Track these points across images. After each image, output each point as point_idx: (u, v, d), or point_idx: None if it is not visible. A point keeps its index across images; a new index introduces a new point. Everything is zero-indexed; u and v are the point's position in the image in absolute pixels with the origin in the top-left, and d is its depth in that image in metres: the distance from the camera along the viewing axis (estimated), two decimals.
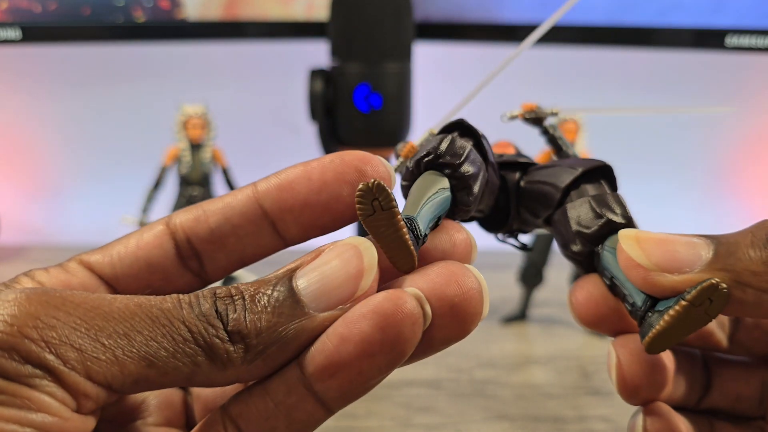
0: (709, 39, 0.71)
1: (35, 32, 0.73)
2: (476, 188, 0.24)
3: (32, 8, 0.72)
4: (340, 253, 0.19)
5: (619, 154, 0.97)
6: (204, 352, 0.18)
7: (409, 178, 0.24)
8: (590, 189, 0.25)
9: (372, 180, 0.19)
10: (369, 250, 0.19)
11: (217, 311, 0.18)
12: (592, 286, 0.24)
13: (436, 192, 0.22)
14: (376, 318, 0.18)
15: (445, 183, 0.23)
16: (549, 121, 0.31)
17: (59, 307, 0.17)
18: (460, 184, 0.23)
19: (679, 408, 0.25)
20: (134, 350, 0.17)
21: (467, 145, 0.24)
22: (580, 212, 0.25)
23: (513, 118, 0.27)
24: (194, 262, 0.22)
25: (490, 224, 0.29)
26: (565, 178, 0.25)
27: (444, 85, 0.93)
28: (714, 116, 0.93)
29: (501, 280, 0.79)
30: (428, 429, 0.47)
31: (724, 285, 0.19)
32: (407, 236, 0.20)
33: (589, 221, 0.24)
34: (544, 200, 0.26)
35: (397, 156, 0.28)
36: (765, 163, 0.95)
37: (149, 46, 0.81)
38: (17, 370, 0.16)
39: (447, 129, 0.26)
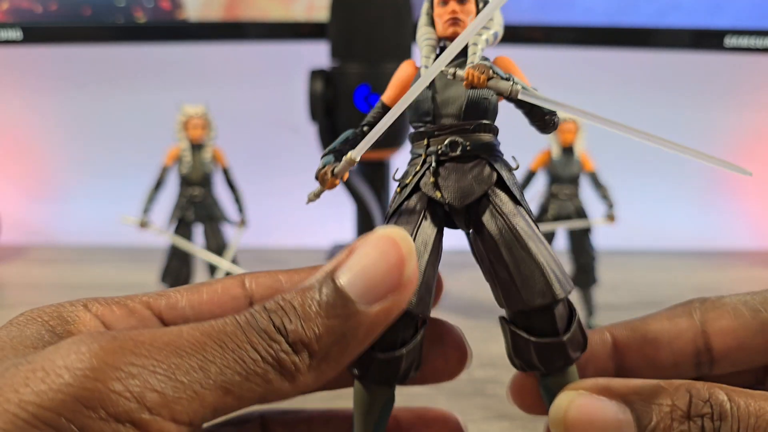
0: (709, 40, 0.71)
1: (36, 33, 0.73)
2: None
3: (33, 9, 0.72)
4: (377, 245, 0.19)
5: (617, 154, 0.98)
6: (273, 368, 0.18)
7: None
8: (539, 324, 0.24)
9: None
10: (405, 239, 0.20)
11: (274, 326, 0.18)
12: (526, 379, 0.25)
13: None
14: None
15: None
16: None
17: (134, 352, 0.17)
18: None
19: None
20: (211, 381, 0.18)
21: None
22: (519, 343, 0.25)
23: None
24: None
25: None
26: (537, 300, 0.24)
27: None
28: (711, 117, 0.94)
29: None
30: None
31: None
32: None
33: (522, 359, 0.25)
34: (507, 294, 0.25)
35: (320, 181, 0.26)
36: (762, 162, 0.95)
37: (150, 46, 0.81)
38: (103, 428, 0.16)
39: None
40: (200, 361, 0.18)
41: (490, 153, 0.27)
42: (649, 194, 0.96)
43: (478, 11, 0.26)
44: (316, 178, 0.26)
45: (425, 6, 0.28)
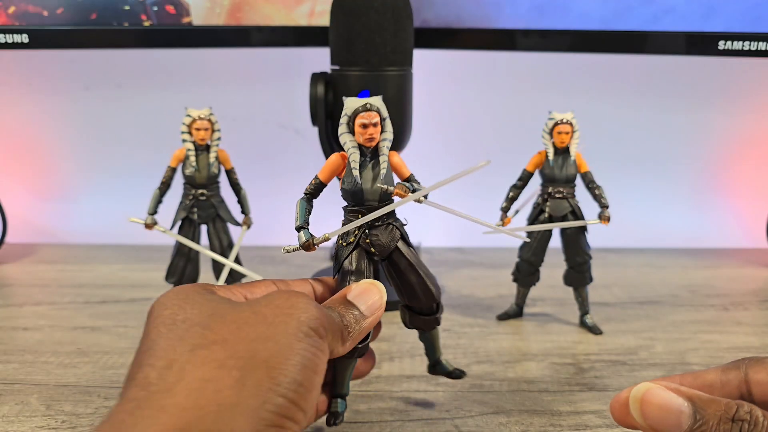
0: (702, 44, 0.72)
1: (42, 37, 0.73)
2: None
3: (39, 13, 0.73)
4: (374, 289, 0.37)
5: (611, 156, 0.99)
6: (344, 338, 0.35)
7: None
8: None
9: None
10: (383, 289, 0.38)
11: (344, 321, 0.35)
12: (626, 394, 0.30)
13: None
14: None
15: None
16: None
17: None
18: None
19: None
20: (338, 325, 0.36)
21: None
22: (413, 318, 0.48)
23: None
24: None
25: None
26: (430, 302, 0.46)
27: (441, 88, 0.94)
28: (704, 118, 0.95)
29: (497, 278, 0.80)
30: (427, 423, 0.48)
31: None
32: None
33: (414, 325, 0.48)
34: (411, 298, 0.46)
35: (305, 249, 0.43)
36: (752, 162, 0.96)
37: (155, 50, 0.81)
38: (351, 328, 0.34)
39: None
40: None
41: (395, 220, 0.45)
42: (643, 194, 0.97)
43: (382, 123, 0.43)
44: (305, 248, 0.42)
45: (345, 118, 0.42)
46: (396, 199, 0.43)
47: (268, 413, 0.23)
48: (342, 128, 0.43)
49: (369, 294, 0.35)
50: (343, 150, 0.43)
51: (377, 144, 0.43)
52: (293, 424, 0.24)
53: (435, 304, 0.45)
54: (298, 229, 0.43)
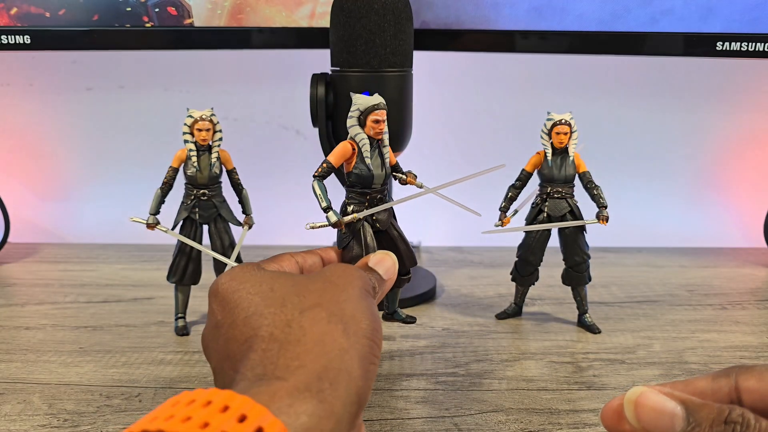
0: (701, 45, 0.72)
1: (44, 38, 0.74)
2: None
3: (42, 14, 0.73)
4: (390, 260, 0.41)
5: (609, 156, 1.00)
6: (372, 292, 0.38)
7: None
8: None
9: None
10: (395, 259, 0.42)
11: (373, 287, 0.38)
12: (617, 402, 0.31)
13: None
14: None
15: None
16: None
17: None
18: None
19: None
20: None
21: None
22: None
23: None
24: None
25: None
26: (411, 265, 0.56)
27: (441, 89, 0.94)
28: (702, 118, 0.95)
29: (496, 277, 0.81)
30: (426, 421, 0.48)
31: None
32: None
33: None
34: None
35: (335, 227, 0.50)
36: (750, 162, 0.97)
37: (157, 51, 0.82)
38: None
39: None
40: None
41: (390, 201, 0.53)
42: (641, 193, 0.98)
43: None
44: (334, 226, 0.49)
45: (356, 113, 0.50)
46: (411, 189, 0.54)
47: (366, 353, 0.30)
48: (352, 121, 0.50)
49: (385, 261, 0.41)
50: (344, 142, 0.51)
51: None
52: (376, 359, 0.31)
53: (410, 269, 0.57)
54: (326, 209, 0.49)
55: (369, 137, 0.50)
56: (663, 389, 0.29)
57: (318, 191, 0.49)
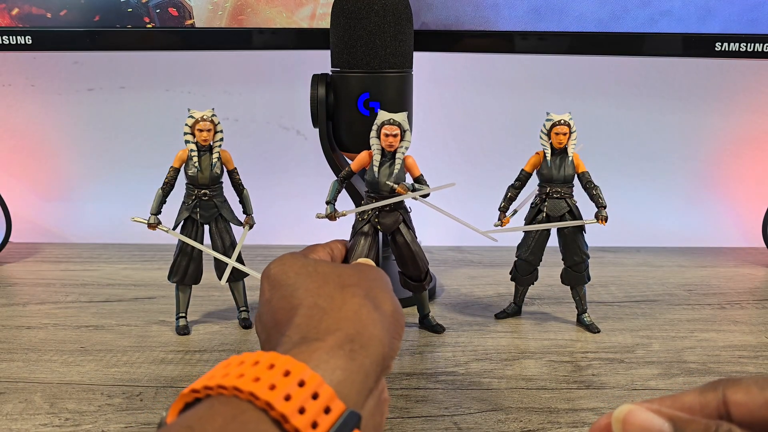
0: (699, 46, 0.73)
1: (46, 39, 0.74)
2: None
3: (43, 14, 0.73)
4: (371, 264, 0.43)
5: (608, 156, 1.00)
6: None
7: None
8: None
9: None
10: (372, 263, 0.44)
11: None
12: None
13: None
14: None
15: None
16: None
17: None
18: None
19: None
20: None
21: None
22: (408, 283, 0.65)
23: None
24: None
25: None
26: (422, 270, 0.63)
27: (441, 89, 0.94)
28: (701, 118, 0.95)
29: (496, 276, 0.81)
30: (426, 420, 0.48)
31: None
32: None
33: (408, 288, 0.64)
34: (404, 267, 0.63)
35: (329, 219, 0.60)
36: (749, 162, 0.97)
37: (158, 52, 0.82)
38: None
39: None
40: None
41: (401, 207, 0.61)
42: (640, 193, 0.98)
43: (402, 134, 0.58)
44: (328, 218, 0.59)
45: (375, 126, 0.58)
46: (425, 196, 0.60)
47: (391, 328, 0.34)
48: (372, 133, 0.59)
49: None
50: (356, 149, 0.62)
51: (395, 149, 0.58)
52: (399, 336, 0.35)
53: (423, 274, 0.62)
54: (327, 203, 0.60)
55: (382, 149, 0.58)
56: (651, 406, 0.29)
57: (330, 187, 0.60)
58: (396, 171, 0.58)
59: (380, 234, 0.61)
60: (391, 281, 0.40)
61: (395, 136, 0.57)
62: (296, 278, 0.36)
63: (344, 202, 0.69)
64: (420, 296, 0.64)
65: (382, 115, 0.58)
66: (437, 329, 0.65)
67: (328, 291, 0.35)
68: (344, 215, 0.60)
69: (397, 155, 0.58)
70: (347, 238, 0.59)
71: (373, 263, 0.42)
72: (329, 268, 0.37)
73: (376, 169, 0.58)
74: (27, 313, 0.69)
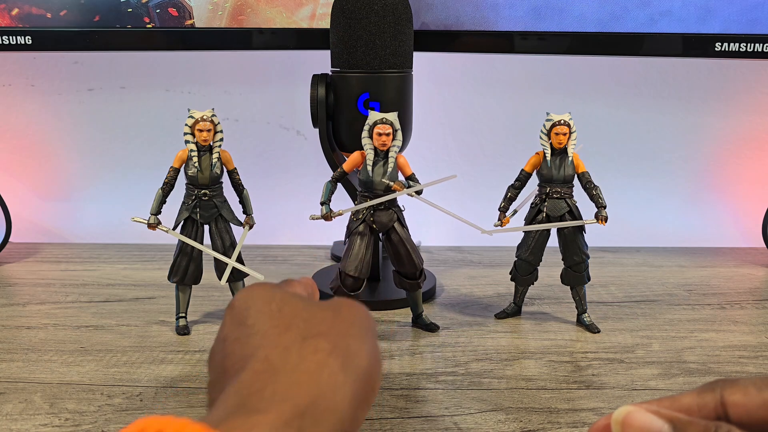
0: (699, 46, 0.73)
1: (46, 39, 0.74)
2: None
3: (43, 15, 0.73)
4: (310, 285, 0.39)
5: (608, 156, 1.00)
6: None
7: None
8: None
9: None
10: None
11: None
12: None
13: None
14: None
15: None
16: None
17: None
18: None
19: None
20: None
21: None
22: (402, 281, 0.65)
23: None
24: None
25: None
26: (417, 268, 0.63)
27: (441, 89, 0.95)
28: (701, 118, 0.95)
29: (495, 276, 0.81)
30: (426, 420, 0.48)
31: None
32: None
33: (403, 287, 0.65)
34: (400, 264, 0.63)
35: (324, 220, 0.61)
36: (749, 162, 0.97)
37: (158, 52, 0.82)
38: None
39: None
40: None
41: (395, 206, 0.62)
42: (640, 194, 0.98)
43: (393, 134, 0.59)
44: (323, 218, 0.60)
45: (367, 126, 0.59)
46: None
47: (360, 393, 0.28)
48: (364, 133, 0.59)
49: (307, 286, 0.41)
50: (356, 149, 0.61)
51: (388, 148, 0.59)
52: (370, 401, 0.30)
53: (418, 272, 0.63)
54: (322, 203, 0.60)
55: (375, 148, 0.59)
56: (650, 407, 0.29)
57: (324, 188, 0.61)
58: (389, 170, 0.59)
59: (379, 234, 0.61)
60: (376, 328, 0.35)
61: (388, 135, 0.58)
62: (256, 318, 0.31)
63: (344, 200, 0.69)
64: (414, 295, 0.65)
65: (374, 115, 0.59)
66: (432, 328, 0.65)
67: (286, 342, 0.29)
68: (340, 215, 0.60)
69: (390, 154, 0.59)
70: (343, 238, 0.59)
71: (357, 303, 0.35)
72: (299, 308, 0.32)
73: (369, 168, 0.59)
74: (27, 313, 0.69)
